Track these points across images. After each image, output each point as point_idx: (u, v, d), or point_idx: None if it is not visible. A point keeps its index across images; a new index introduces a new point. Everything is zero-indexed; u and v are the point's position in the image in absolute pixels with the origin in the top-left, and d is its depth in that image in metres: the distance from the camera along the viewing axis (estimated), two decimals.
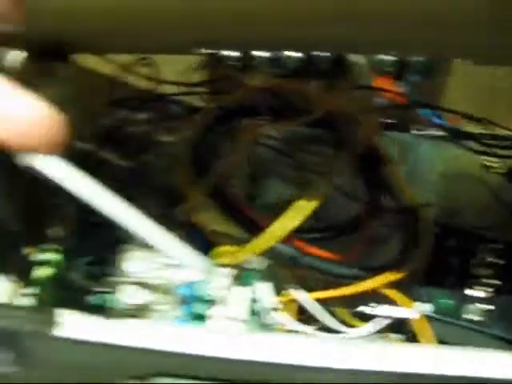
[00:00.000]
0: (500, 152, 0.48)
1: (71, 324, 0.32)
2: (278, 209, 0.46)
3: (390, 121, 0.50)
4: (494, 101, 0.51)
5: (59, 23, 0.41)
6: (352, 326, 0.43)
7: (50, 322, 0.33)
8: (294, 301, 0.42)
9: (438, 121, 0.48)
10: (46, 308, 0.41)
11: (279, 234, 0.35)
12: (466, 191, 0.49)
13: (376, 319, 0.42)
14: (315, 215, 0.46)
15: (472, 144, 0.49)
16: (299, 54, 0.46)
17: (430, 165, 0.49)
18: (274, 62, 0.46)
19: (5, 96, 0.19)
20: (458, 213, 0.48)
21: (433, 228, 0.39)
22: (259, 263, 0.40)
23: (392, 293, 0.41)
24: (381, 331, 0.43)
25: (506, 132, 0.49)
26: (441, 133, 0.49)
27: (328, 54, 0.46)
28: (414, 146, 0.50)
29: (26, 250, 0.51)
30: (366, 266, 0.40)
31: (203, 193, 0.38)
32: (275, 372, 0.31)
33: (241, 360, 0.30)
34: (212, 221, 0.40)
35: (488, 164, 0.50)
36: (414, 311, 0.40)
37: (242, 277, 0.41)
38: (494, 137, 0.48)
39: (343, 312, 0.43)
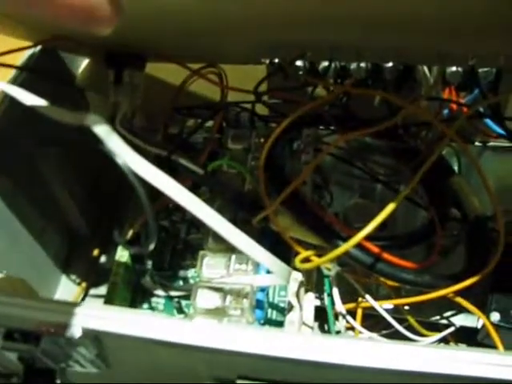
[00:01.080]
0: None
1: (150, 324, 0.33)
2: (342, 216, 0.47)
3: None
4: None
5: (138, 32, 0.42)
6: (421, 335, 0.43)
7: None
8: (361, 307, 0.42)
9: (502, 131, 0.49)
10: (118, 308, 0.43)
11: (356, 241, 0.36)
12: None
13: (445, 328, 0.42)
14: (384, 224, 0.47)
15: None
16: (366, 64, 0.46)
17: (494, 175, 0.49)
18: (341, 71, 0.47)
19: None
20: None
21: (503, 238, 0.40)
22: (335, 270, 0.41)
23: (463, 302, 0.41)
24: (449, 340, 0.44)
25: None
26: (505, 144, 0.49)
27: (396, 65, 0.46)
28: (478, 157, 0.50)
29: (93, 253, 0.52)
30: (438, 274, 0.40)
31: (280, 200, 0.39)
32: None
33: (319, 362, 0.31)
34: (289, 228, 0.40)
35: None
36: (483, 320, 0.40)
37: (325, 284, 0.42)
38: None
39: (411, 319, 0.43)
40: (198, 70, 0.48)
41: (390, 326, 0.42)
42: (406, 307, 0.43)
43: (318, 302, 0.43)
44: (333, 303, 0.42)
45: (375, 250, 0.39)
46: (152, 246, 0.35)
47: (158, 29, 0.42)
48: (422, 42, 0.41)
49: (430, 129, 0.48)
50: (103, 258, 0.53)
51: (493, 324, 0.40)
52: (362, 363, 0.29)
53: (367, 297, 0.41)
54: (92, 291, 0.51)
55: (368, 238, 0.42)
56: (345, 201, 0.48)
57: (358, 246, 0.38)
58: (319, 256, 0.38)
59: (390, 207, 0.36)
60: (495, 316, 0.40)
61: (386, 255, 0.39)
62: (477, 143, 0.51)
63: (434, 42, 0.41)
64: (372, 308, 0.42)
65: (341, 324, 0.42)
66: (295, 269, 0.39)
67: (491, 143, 0.51)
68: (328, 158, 0.49)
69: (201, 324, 0.34)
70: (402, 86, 0.47)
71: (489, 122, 0.49)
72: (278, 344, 0.31)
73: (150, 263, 0.46)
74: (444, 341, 0.44)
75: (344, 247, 0.35)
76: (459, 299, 0.41)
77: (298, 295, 0.42)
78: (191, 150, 0.47)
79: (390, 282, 0.40)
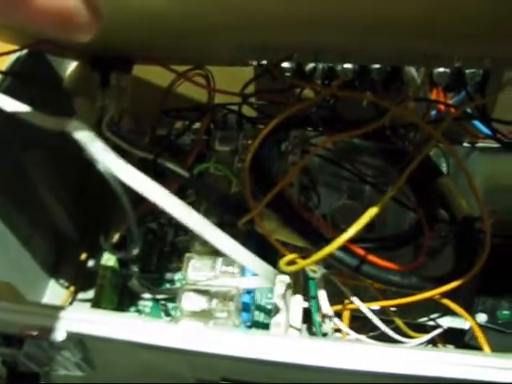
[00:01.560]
0: None
1: (135, 328, 0.33)
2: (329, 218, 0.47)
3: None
4: None
5: (125, 35, 0.42)
6: (408, 336, 0.43)
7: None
8: (349, 309, 0.42)
9: (489, 132, 0.48)
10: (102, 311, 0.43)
11: (340, 243, 0.35)
12: None
13: (432, 330, 0.42)
14: (372, 225, 0.47)
15: None
16: (353, 66, 0.46)
17: (482, 176, 0.50)
18: (329, 72, 0.47)
19: None
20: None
21: (489, 239, 0.40)
22: (320, 272, 0.41)
23: (450, 303, 0.41)
24: (436, 342, 0.44)
25: None
26: (493, 144, 0.49)
27: (383, 66, 0.46)
28: (466, 158, 0.50)
29: (81, 257, 0.52)
30: (425, 276, 0.40)
31: (265, 202, 0.39)
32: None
33: (306, 365, 0.31)
34: (275, 230, 0.40)
35: None
36: (470, 322, 0.40)
37: (310, 286, 0.42)
38: None
39: (398, 321, 0.43)
40: (184, 72, 0.48)
41: (377, 327, 0.42)
42: (394, 309, 0.43)
43: (306, 304, 0.42)
44: (319, 305, 0.41)
45: (360, 252, 0.39)
46: (136, 251, 0.35)
47: (142, 32, 0.42)
48: (408, 44, 0.41)
49: (417, 130, 0.48)
50: (91, 262, 0.53)
51: (479, 325, 0.40)
52: (346, 366, 0.29)
53: (354, 299, 0.41)
54: (80, 295, 0.51)
55: (355, 240, 0.42)
56: (333, 202, 0.48)
57: (343, 248, 0.38)
58: (304, 258, 0.37)
59: (374, 209, 0.36)
60: (482, 317, 0.40)
61: (371, 257, 0.39)
62: (465, 144, 0.51)
63: (421, 44, 0.41)
64: (360, 310, 0.42)
65: (328, 326, 0.42)
66: (281, 271, 0.39)
67: (479, 144, 0.50)
68: (316, 160, 0.49)
69: (185, 327, 0.34)
70: (389, 86, 0.47)
71: (476, 123, 0.49)
72: (261, 347, 0.31)
73: (137, 266, 0.46)
74: (432, 342, 0.44)
75: (328, 249, 0.35)
76: (446, 301, 0.41)
77: (284, 297, 0.42)
78: (179, 153, 0.47)
79: (377, 284, 0.40)
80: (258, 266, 0.37)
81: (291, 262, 0.39)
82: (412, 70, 0.46)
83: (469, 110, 0.49)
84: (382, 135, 0.46)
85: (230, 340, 0.31)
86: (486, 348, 0.40)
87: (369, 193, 0.48)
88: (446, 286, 0.40)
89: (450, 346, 0.44)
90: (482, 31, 0.37)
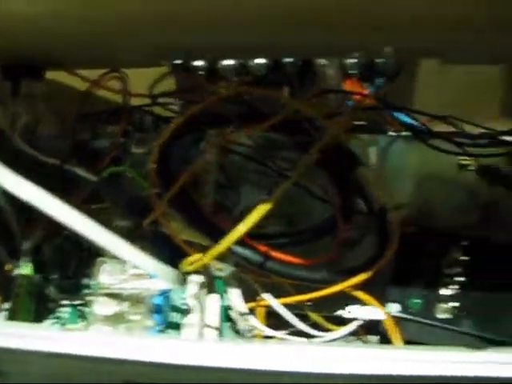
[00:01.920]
0: (472, 150, 0.48)
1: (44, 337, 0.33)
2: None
3: (361, 123, 0.50)
4: (469, 99, 0.51)
5: (32, 40, 0.42)
6: (327, 330, 0.43)
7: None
8: (264, 306, 0.42)
9: (410, 121, 0.48)
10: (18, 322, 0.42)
11: (234, 239, 0.35)
12: (441, 191, 0.49)
13: (348, 322, 0.42)
14: (289, 220, 0.47)
15: (445, 143, 0.48)
16: (266, 61, 0.46)
17: (403, 166, 0.49)
18: (242, 69, 0.47)
19: None
20: (433, 213, 0.48)
21: (399, 229, 0.39)
22: (228, 270, 0.41)
23: (362, 295, 0.41)
24: (355, 333, 0.44)
25: (480, 130, 0.49)
26: (413, 133, 0.49)
27: (295, 60, 0.46)
28: (387, 148, 0.50)
29: (6, 267, 0.51)
30: (335, 269, 0.40)
31: (166, 202, 0.38)
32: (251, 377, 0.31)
33: (213, 367, 0.30)
34: (180, 230, 0.40)
35: (462, 163, 0.50)
36: (382, 312, 0.40)
37: (214, 284, 0.42)
38: (466, 135, 0.48)
39: (318, 316, 0.43)
40: (103, 75, 0.48)
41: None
42: (310, 303, 0.43)
43: (219, 304, 0.42)
44: (231, 304, 0.41)
45: (263, 248, 0.39)
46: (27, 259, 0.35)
47: (46, 40, 0.42)
48: (315, 36, 0.41)
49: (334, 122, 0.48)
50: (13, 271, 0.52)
51: (392, 315, 0.40)
52: (248, 366, 0.29)
53: (265, 295, 0.41)
54: (6, 305, 0.51)
55: (269, 236, 0.42)
56: (253, 199, 0.48)
57: (245, 245, 0.38)
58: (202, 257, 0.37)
59: (267, 204, 0.36)
60: (394, 307, 0.40)
61: (274, 253, 0.39)
62: (386, 134, 0.51)
63: (329, 35, 0.41)
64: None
65: (243, 324, 0.42)
66: (183, 271, 0.39)
67: (400, 133, 0.50)
68: (236, 158, 0.49)
69: (82, 334, 0.34)
70: (304, 79, 0.47)
71: (396, 112, 0.49)
72: (159, 350, 0.30)
73: (54, 273, 0.46)
74: (355, 334, 0.44)
75: (222, 245, 0.35)
76: (358, 293, 0.41)
77: (198, 297, 0.42)
78: (97, 157, 0.47)
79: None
80: (155, 268, 0.37)
81: (195, 262, 0.38)
82: (323, 62, 0.46)
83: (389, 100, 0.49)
84: (299, 128, 0.46)
85: (131, 345, 0.31)
86: (397, 338, 0.40)
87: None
88: (355, 278, 0.40)
89: (373, 337, 0.44)
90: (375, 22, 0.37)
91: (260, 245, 0.39)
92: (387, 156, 0.49)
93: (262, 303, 0.42)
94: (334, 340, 0.42)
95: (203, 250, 0.40)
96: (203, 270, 0.41)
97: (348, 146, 0.47)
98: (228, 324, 0.44)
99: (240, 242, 0.39)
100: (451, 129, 0.49)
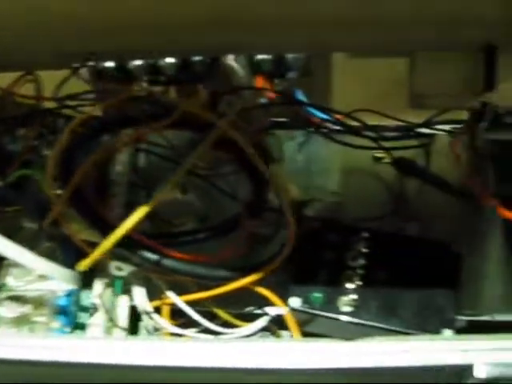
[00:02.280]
0: (387, 144, 0.48)
1: None
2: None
3: (278, 119, 0.50)
4: (387, 93, 0.51)
5: None
6: (234, 326, 0.43)
7: None
8: (169, 305, 0.42)
9: (324, 117, 0.48)
10: None
11: (118, 237, 0.36)
12: (355, 184, 0.49)
13: (254, 319, 0.42)
14: (197, 216, 0.47)
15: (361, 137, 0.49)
16: (175, 60, 0.46)
17: (319, 161, 0.50)
18: (152, 69, 0.47)
19: None
20: (345, 206, 0.48)
21: (295, 225, 0.39)
22: (127, 270, 0.41)
23: (264, 291, 0.41)
24: (268, 329, 0.44)
25: (396, 123, 0.49)
26: (327, 129, 0.49)
27: (204, 58, 0.46)
28: (303, 144, 0.50)
29: None
30: (235, 266, 0.40)
31: (62, 202, 0.38)
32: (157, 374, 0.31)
33: (117, 365, 0.30)
34: (80, 230, 0.40)
35: (377, 156, 0.50)
36: (283, 307, 0.40)
37: (115, 284, 0.42)
38: (380, 129, 0.48)
39: (225, 313, 0.43)
40: (21, 76, 0.48)
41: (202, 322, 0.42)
42: (220, 301, 0.43)
43: (123, 303, 0.42)
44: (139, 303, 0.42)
45: (158, 247, 0.39)
46: None
47: None
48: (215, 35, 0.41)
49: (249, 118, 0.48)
50: None
51: (294, 309, 0.40)
52: (143, 362, 0.29)
53: (169, 293, 0.41)
54: None
55: (175, 233, 0.42)
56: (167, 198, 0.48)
57: (145, 245, 0.39)
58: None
59: (153, 202, 0.36)
60: (296, 302, 0.40)
61: (172, 252, 0.39)
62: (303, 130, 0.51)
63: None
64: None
65: (149, 323, 0.42)
66: (78, 271, 0.39)
67: (317, 129, 0.50)
68: (152, 158, 0.49)
69: None
70: (215, 77, 0.47)
71: (312, 108, 0.49)
72: (59, 349, 0.30)
73: None
74: (268, 329, 0.44)
75: (107, 244, 0.35)
76: (259, 288, 0.41)
77: (103, 297, 0.42)
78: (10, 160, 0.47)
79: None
80: (48, 269, 0.37)
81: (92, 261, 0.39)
82: (231, 60, 0.46)
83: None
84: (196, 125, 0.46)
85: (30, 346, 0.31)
86: (296, 332, 0.40)
87: (201, 186, 0.48)
88: (254, 275, 0.40)
89: (285, 332, 0.44)
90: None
91: (159, 244, 0.39)
92: (303, 151, 0.50)
93: (167, 301, 0.41)
94: (243, 337, 0.42)
95: None
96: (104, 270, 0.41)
97: (262, 143, 0.47)
98: (138, 323, 0.44)
99: (139, 242, 0.39)
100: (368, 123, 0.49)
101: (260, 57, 0.46)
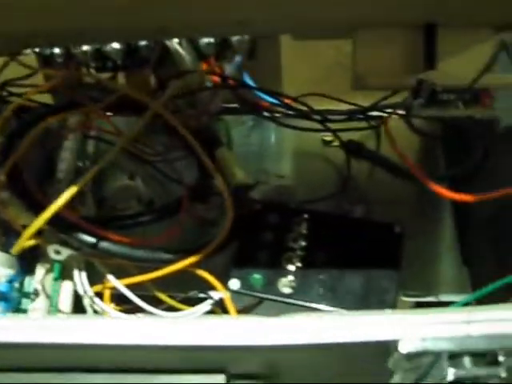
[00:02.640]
0: (334, 126, 0.47)
1: None
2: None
3: (227, 105, 0.50)
4: (335, 76, 0.50)
5: None
6: (178, 311, 0.43)
7: None
8: (110, 289, 0.42)
9: (273, 101, 0.48)
10: None
11: (50, 213, 0.36)
12: (306, 167, 0.49)
13: (196, 302, 0.42)
14: (143, 201, 0.47)
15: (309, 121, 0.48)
16: (121, 46, 0.46)
17: (269, 145, 0.49)
18: (98, 55, 0.47)
19: None
20: (293, 189, 0.48)
21: (232, 207, 0.39)
22: (65, 254, 0.41)
23: (203, 273, 0.41)
24: (212, 312, 0.43)
25: (345, 107, 0.49)
26: (275, 112, 0.49)
27: (149, 43, 0.46)
28: (253, 128, 0.50)
29: None
30: (173, 248, 0.40)
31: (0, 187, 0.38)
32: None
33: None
34: (19, 216, 0.40)
35: (326, 139, 0.50)
36: (221, 290, 0.40)
37: (54, 269, 0.42)
38: (328, 112, 0.48)
39: (166, 297, 0.43)
40: None
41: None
42: (162, 285, 0.43)
43: (65, 288, 0.42)
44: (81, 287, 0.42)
45: (95, 230, 0.39)
46: None
47: None
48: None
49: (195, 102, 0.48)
50: None
51: (234, 291, 0.40)
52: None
53: (109, 277, 0.41)
54: None
55: (118, 217, 0.42)
56: (116, 183, 0.48)
57: (82, 229, 0.39)
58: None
59: (74, 187, 0.36)
60: (235, 284, 0.40)
61: (109, 234, 0.39)
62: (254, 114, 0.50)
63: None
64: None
65: (90, 307, 0.42)
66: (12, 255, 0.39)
67: (267, 113, 0.50)
68: (102, 145, 0.49)
69: None
70: (162, 63, 0.47)
71: (260, 92, 0.49)
72: None
73: None
74: (212, 313, 0.43)
75: (34, 225, 0.35)
76: (200, 271, 0.41)
77: (44, 282, 0.42)
78: None
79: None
80: None
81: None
82: (175, 45, 0.46)
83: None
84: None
85: None
86: (233, 314, 0.40)
87: (148, 171, 0.48)
88: (192, 257, 0.40)
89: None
90: None
91: (98, 228, 0.39)
92: (254, 136, 0.49)
93: (108, 285, 0.41)
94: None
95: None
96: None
97: (209, 127, 0.47)
98: (81, 308, 0.44)
99: (76, 225, 0.39)
100: (317, 106, 0.48)
101: (205, 40, 0.46)
